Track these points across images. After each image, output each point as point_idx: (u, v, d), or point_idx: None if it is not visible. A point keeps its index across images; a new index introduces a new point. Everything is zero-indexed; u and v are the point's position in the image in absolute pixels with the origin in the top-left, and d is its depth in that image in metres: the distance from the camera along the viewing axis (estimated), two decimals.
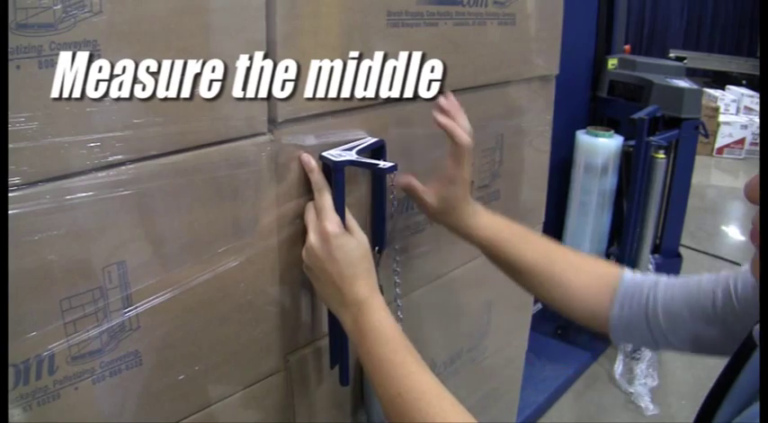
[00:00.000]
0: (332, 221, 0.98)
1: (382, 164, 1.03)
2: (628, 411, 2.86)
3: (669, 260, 3.03)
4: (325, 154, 1.02)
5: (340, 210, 1.02)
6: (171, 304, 0.88)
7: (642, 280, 1.03)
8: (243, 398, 1.04)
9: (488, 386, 1.77)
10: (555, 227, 3.04)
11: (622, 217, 2.97)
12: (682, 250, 3.08)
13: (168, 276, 0.87)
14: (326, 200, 1.00)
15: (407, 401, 0.85)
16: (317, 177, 1.00)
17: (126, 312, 0.84)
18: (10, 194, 0.70)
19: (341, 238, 0.98)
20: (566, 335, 3.23)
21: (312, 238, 0.99)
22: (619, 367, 3.01)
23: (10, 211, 0.70)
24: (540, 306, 3.33)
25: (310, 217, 1.01)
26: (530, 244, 1.12)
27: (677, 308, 0.97)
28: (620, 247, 2.96)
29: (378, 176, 1.13)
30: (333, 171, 1.01)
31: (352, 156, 1.03)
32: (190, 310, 0.91)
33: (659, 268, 2.95)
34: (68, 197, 0.74)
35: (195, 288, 0.91)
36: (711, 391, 0.82)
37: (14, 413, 0.75)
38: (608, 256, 3.03)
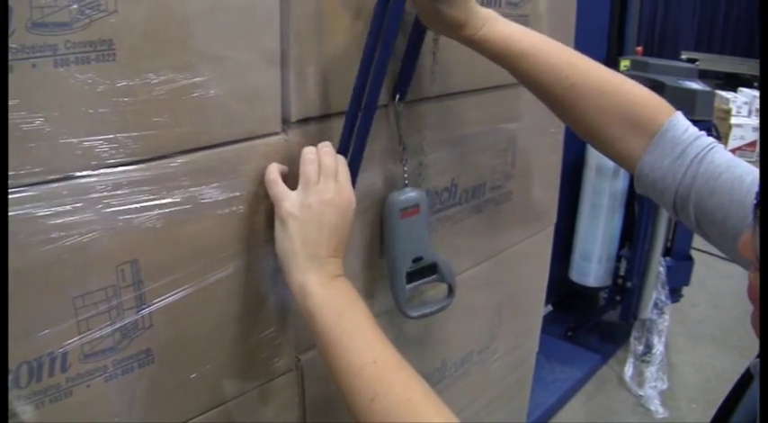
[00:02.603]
0: (351, 191, 0.95)
1: None
2: (637, 414, 2.85)
3: (681, 263, 3.01)
4: None
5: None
6: (184, 303, 0.89)
7: (690, 142, 0.90)
8: (254, 397, 1.04)
9: (498, 388, 1.77)
10: (566, 228, 3.04)
11: (634, 219, 2.95)
12: (693, 253, 3.06)
13: (181, 275, 0.88)
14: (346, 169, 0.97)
15: (384, 370, 0.82)
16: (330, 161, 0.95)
17: (139, 311, 0.84)
18: (24, 194, 0.70)
19: (353, 211, 0.95)
20: (576, 337, 3.22)
21: (332, 189, 0.91)
22: (629, 370, 3.00)
23: (24, 210, 0.70)
24: (550, 308, 3.33)
25: (328, 161, 0.94)
26: (549, 62, 0.98)
27: (712, 206, 0.87)
28: (632, 249, 2.95)
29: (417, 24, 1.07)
30: None
31: None
32: (203, 309, 0.92)
33: (671, 271, 2.93)
34: (83, 196, 0.75)
35: (208, 287, 0.91)
36: (728, 395, 0.81)
37: (27, 410, 0.76)
38: (619, 258, 3.02)
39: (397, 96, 1.13)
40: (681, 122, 0.92)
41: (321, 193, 0.91)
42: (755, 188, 0.81)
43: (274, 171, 0.93)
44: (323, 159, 0.94)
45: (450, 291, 1.24)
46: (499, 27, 0.99)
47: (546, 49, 0.99)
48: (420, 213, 1.15)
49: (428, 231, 1.20)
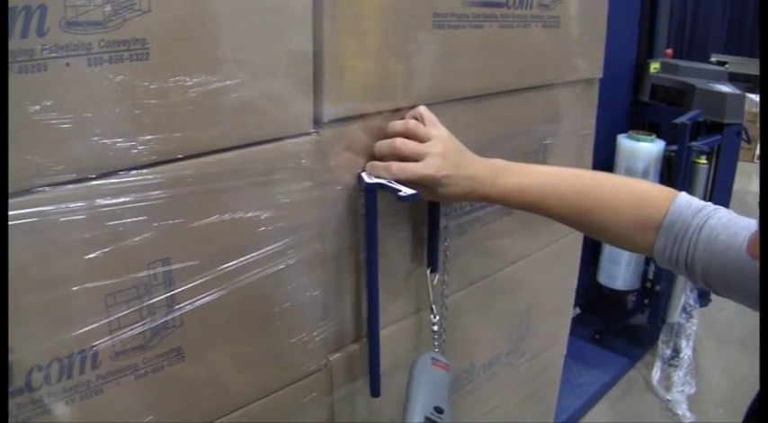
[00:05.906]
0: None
1: (403, 190, 0.97)
2: (665, 418, 2.83)
3: None
4: (363, 174, 1.02)
5: (372, 229, 1.03)
6: (215, 303, 0.89)
7: (692, 216, 0.95)
8: (283, 397, 1.04)
9: (526, 390, 1.76)
10: None
11: None
12: None
13: (213, 275, 0.88)
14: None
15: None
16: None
17: (169, 309, 0.84)
18: (57, 193, 0.70)
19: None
20: (604, 340, 3.21)
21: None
22: (656, 374, 2.98)
23: (58, 209, 0.70)
24: (578, 310, 3.32)
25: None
26: (562, 199, 1.06)
27: (716, 269, 0.91)
28: None
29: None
30: (364, 191, 1.02)
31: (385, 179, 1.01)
32: (234, 308, 0.92)
33: None
34: (115, 195, 0.75)
35: (240, 288, 0.91)
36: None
37: (57, 407, 0.76)
38: (648, 261, 3.00)
39: (430, 269, 1.21)
40: (682, 203, 0.97)
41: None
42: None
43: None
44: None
45: None
46: (509, 180, 1.07)
47: (557, 188, 1.06)
48: (448, 372, 1.17)
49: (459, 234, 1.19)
